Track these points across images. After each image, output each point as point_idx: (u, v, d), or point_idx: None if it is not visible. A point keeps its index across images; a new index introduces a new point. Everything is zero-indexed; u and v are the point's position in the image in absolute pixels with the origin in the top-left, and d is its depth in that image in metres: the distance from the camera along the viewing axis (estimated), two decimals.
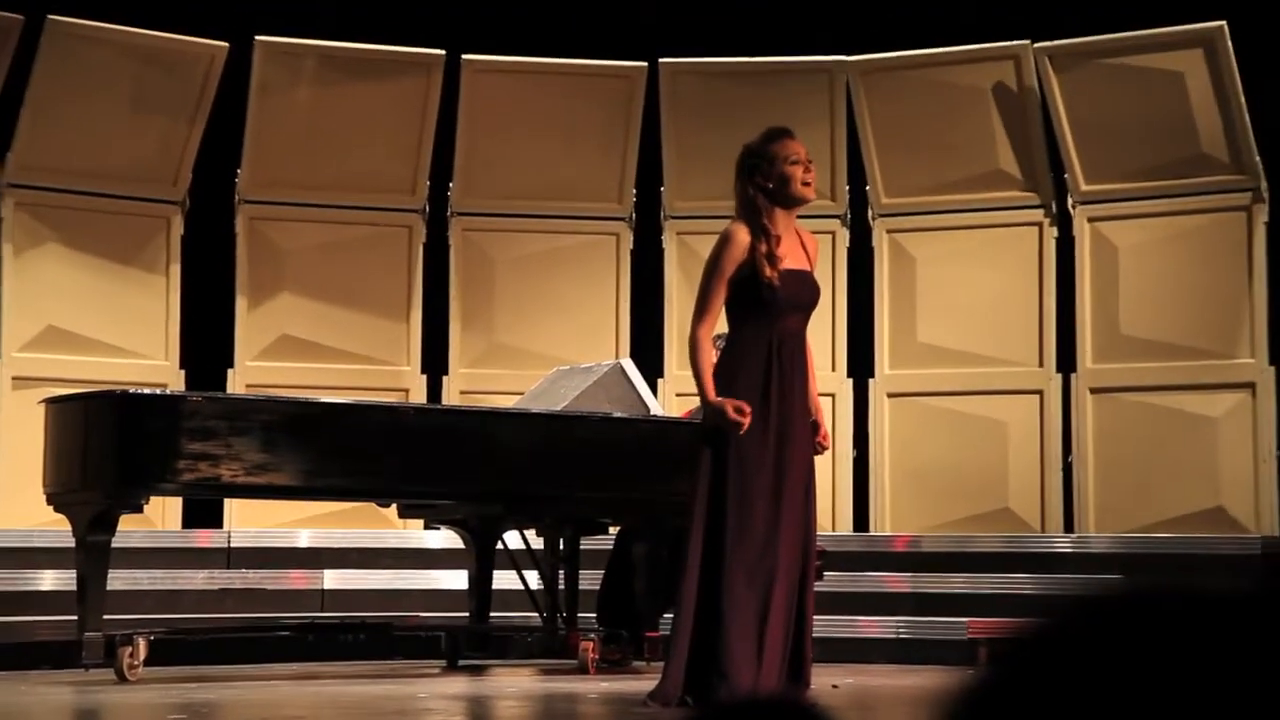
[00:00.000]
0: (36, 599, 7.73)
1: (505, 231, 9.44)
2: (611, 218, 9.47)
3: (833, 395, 9.08)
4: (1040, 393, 8.90)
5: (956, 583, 8.34)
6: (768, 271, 5.13)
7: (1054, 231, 8.98)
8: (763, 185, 5.17)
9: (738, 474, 5.07)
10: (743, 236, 5.18)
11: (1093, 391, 8.81)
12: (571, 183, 9.39)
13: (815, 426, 5.26)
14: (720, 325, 5.33)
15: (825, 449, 5.31)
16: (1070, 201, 8.92)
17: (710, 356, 5.20)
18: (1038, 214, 9.01)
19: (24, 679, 6.75)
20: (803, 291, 5.23)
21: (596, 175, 9.41)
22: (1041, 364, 8.92)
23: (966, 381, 9.01)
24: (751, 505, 5.06)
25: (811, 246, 5.35)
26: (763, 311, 5.17)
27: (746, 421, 5.02)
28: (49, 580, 7.84)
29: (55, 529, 7.41)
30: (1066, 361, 8.89)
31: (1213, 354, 8.59)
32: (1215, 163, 8.60)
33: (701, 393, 5.15)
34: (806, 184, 5.18)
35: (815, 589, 5.33)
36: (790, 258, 5.20)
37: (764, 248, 5.14)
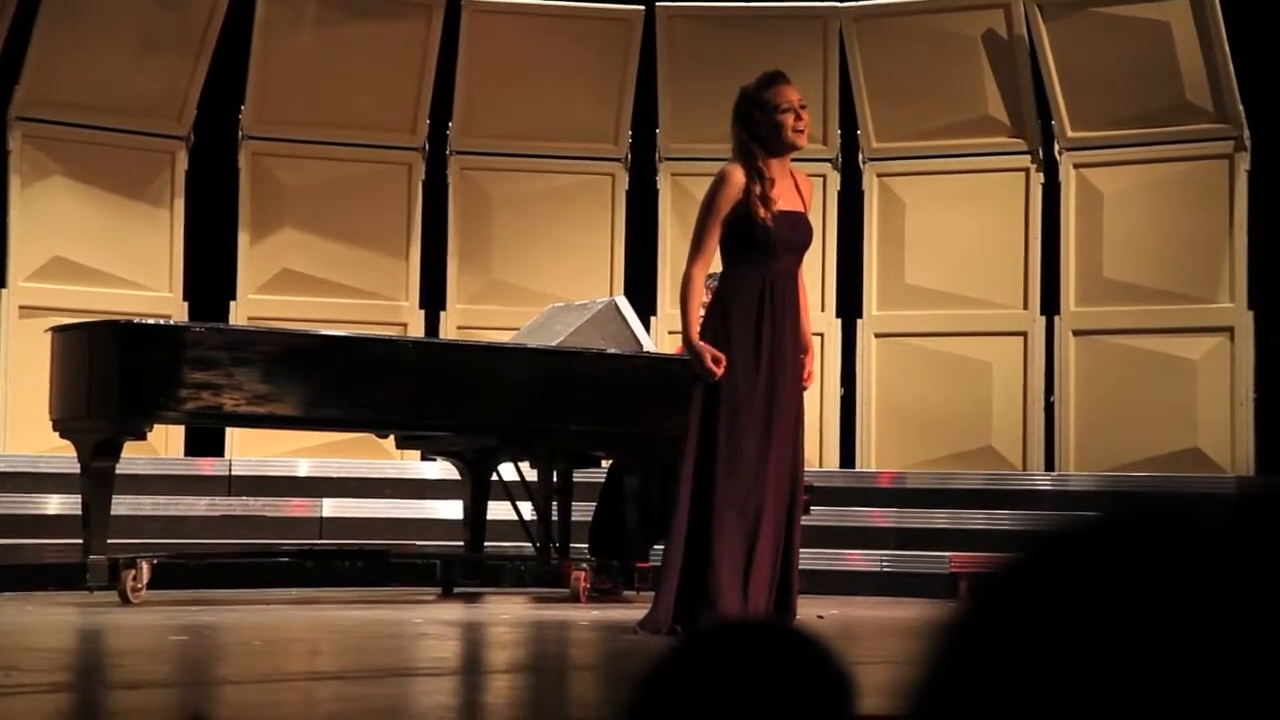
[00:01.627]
0: (43, 523, 7.75)
1: (503, 171, 9.41)
2: (607, 158, 9.44)
3: (821, 335, 9.08)
4: (1024, 334, 8.90)
5: (939, 518, 8.37)
6: (761, 212, 5.14)
7: (1040, 177, 8.96)
8: (755, 131, 5.18)
9: (729, 409, 5.09)
10: (738, 177, 5.19)
11: (1075, 334, 8.82)
12: (568, 124, 9.35)
13: (801, 364, 5.27)
14: (715, 265, 5.34)
15: (806, 387, 5.33)
16: (1056, 148, 8.90)
17: (700, 298, 5.21)
18: (1024, 160, 8.98)
19: (30, 600, 6.77)
20: (795, 233, 5.24)
21: (593, 117, 9.38)
22: (1026, 306, 8.92)
23: (952, 323, 9.01)
24: (741, 440, 5.08)
25: (806, 189, 5.36)
26: (756, 251, 5.19)
27: (719, 372, 5.05)
28: (55, 504, 7.85)
29: (61, 455, 7.42)
30: (1050, 304, 8.89)
31: (1193, 298, 8.59)
32: (1199, 111, 8.57)
33: (686, 332, 5.16)
34: (798, 131, 5.19)
35: (803, 523, 5.35)
36: (784, 200, 5.22)
37: (758, 189, 5.16)
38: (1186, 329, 8.58)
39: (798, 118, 5.19)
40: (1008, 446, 8.87)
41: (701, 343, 5.10)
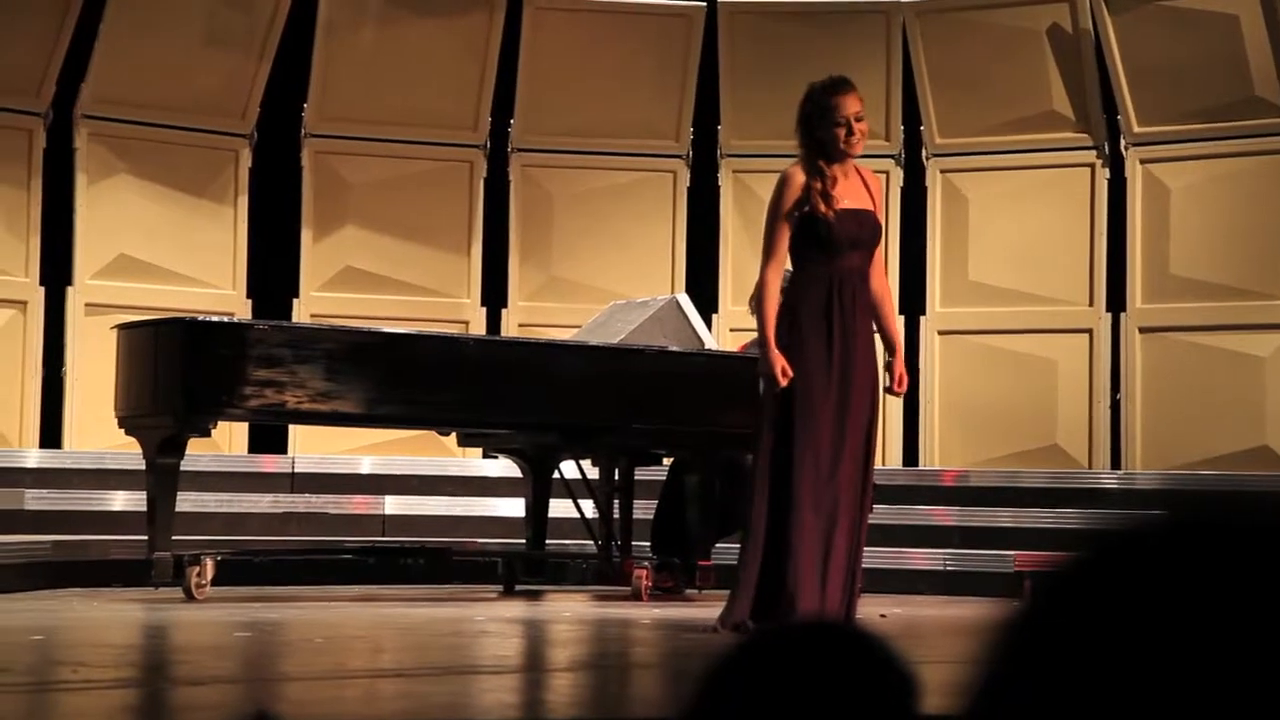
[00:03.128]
0: (109, 519, 7.82)
1: (564, 168, 9.43)
2: (669, 155, 9.44)
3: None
4: (1090, 331, 8.85)
5: (1003, 517, 8.32)
6: (822, 208, 5.17)
7: (1106, 173, 8.89)
8: (812, 135, 5.24)
9: (803, 408, 5.11)
10: (799, 177, 5.23)
11: (1142, 331, 8.75)
12: (630, 120, 9.35)
13: (890, 366, 5.28)
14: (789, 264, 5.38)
15: (898, 394, 5.32)
16: (1123, 143, 8.83)
17: (775, 301, 5.23)
18: (1090, 155, 8.92)
19: (97, 595, 6.84)
20: (861, 230, 5.25)
21: (655, 113, 9.38)
22: (1091, 303, 8.86)
23: (1016, 320, 8.96)
24: (817, 439, 5.09)
25: (875, 186, 5.37)
26: (821, 250, 5.21)
27: (783, 384, 5.09)
28: (120, 501, 7.92)
29: (127, 451, 7.49)
30: (1116, 301, 8.82)
31: (1261, 294, 8.51)
32: (1267, 105, 8.49)
33: (762, 337, 5.17)
34: (849, 144, 5.22)
35: (867, 521, 5.34)
36: (849, 197, 5.23)
37: (819, 186, 5.20)
38: (1254, 325, 8.50)
39: (850, 131, 5.21)
40: (1073, 444, 8.81)
41: (776, 351, 5.13)
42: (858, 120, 5.24)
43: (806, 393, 5.12)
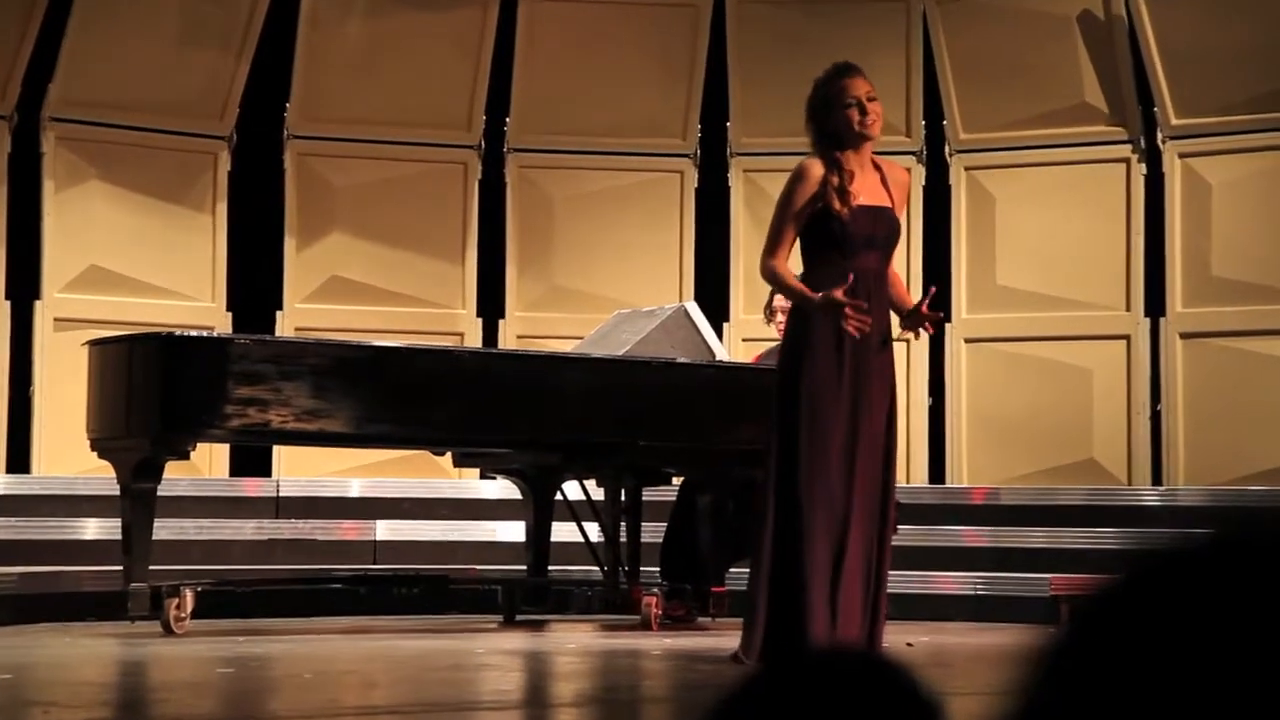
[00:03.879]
0: (81, 548, 7.82)
1: (564, 169, 9.43)
2: (675, 154, 9.45)
3: (907, 341, 9.04)
4: (1127, 338, 8.84)
5: (1037, 537, 8.31)
6: (837, 205, 5.16)
7: (1142, 168, 8.89)
8: (825, 127, 5.23)
9: (809, 419, 5.09)
10: (815, 170, 5.22)
11: (1183, 337, 8.74)
12: (634, 118, 9.36)
13: (914, 310, 5.22)
14: (796, 265, 5.36)
15: (929, 331, 5.30)
16: (1160, 136, 8.83)
17: (789, 270, 5.23)
18: (1125, 150, 8.92)
19: (68, 630, 6.84)
20: (877, 228, 5.24)
21: (660, 110, 9.38)
22: (1128, 308, 8.86)
23: (1049, 326, 8.95)
24: (825, 452, 5.07)
25: (898, 183, 5.35)
26: (834, 249, 5.20)
27: (850, 303, 5.01)
28: (93, 529, 7.92)
29: (99, 476, 7.48)
30: (1155, 305, 8.82)
31: None
32: None
33: (801, 300, 5.14)
34: (865, 125, 5.21)
35: (892, 543, 5.33)
36: (866, 194, 5.23)
37: (835, 181, 5.19)
38: None
39: (863, 111, 5.21)
40: (1111, 459, 8.80)
41: (815, 296, 5.07)
42: (870, 100, 5.24)
43: (814, 405, 5.10)
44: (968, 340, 9.12)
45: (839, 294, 5.05)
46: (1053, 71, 8.97)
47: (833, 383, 5.13)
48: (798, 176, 5.25)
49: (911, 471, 9.02)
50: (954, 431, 9.08)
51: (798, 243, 5.29)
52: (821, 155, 5.26)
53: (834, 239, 5.19)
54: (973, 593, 8.03)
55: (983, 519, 8.57)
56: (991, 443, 9.02)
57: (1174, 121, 8.79)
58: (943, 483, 9.04)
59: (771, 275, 5.27)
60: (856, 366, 5.16)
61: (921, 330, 5.37)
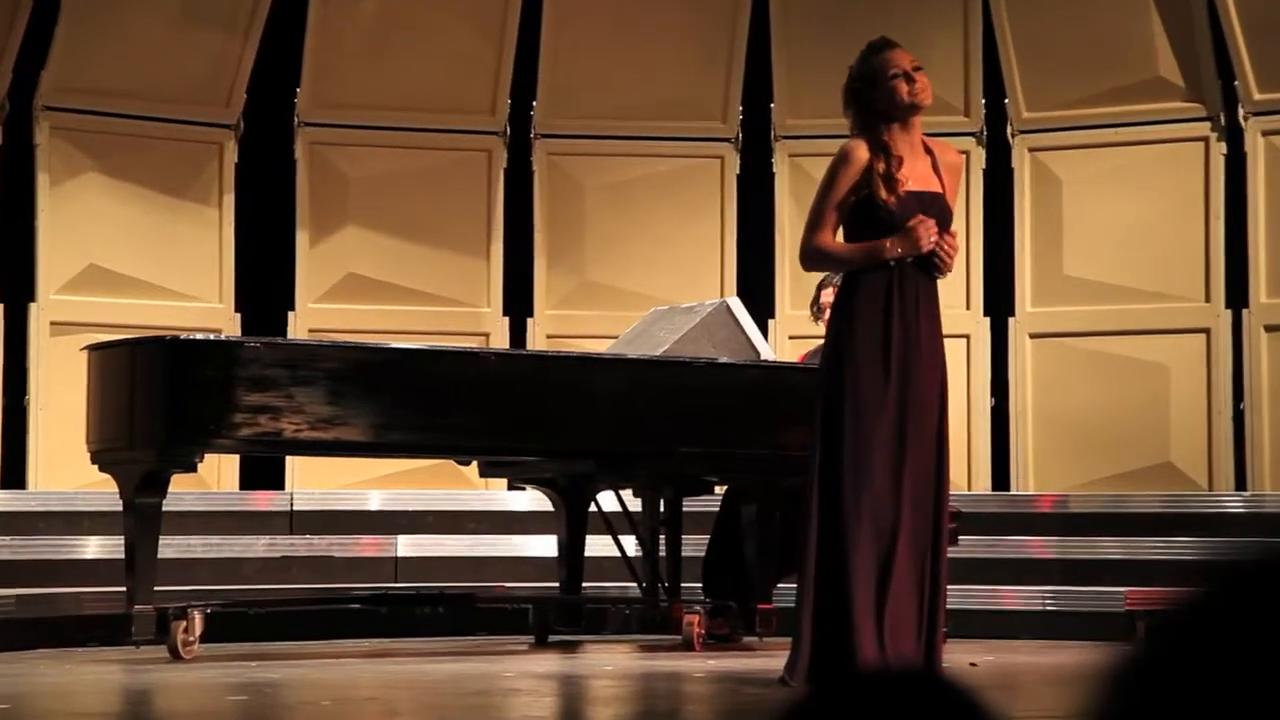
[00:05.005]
0: (81, 568, 7.86)
1: (596, 155, 9.44)
2: (716, 138, 9.44)
3: (967, 336, 9.03)
4: (1207, 331, 8.81)
5: (1110, 548, 8.29)
6: (883, 194, 5.15)
7: (1222, 147, 8.86)
8: (869, 106, 5.21)
9: (854, 421, 5.08)
10: (861, 154, 5.20)
11: (1268, 330, 8.71)
12: (670, 99, 9.36)
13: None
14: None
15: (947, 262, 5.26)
16: (1241, 113, 8.79)
17: (835, 241, 5.21)
18: (1203, 127, 8.89)
19: (69, 657, 6.87)
20: (927, 216, 5.22)
21: (698, 90, 9.38)
22: (1208, 299, 8.82)
23: (1121, 320, 8.92)
24: (870, 456, 5.06)
25: (950, 166, 5.34)
26: (880, 239, 5.18)
27: (927, 231, 5.00)
28: (94, 547, 7.95)
29: (101, 491, 7.52)
30: (1237, 296, 8.78)
31: None
32: None
33: (865, 256, 5.13)
34: (914, 94, 5.20)
35: (949, 554, 5.32)
36: (915, 179, 5.21)
37: (881, 167, 5.17)
38: None
39: (912, 80, 5.20)
40: (1190, 462, 8.77)
41: (878, 245, 5.06)
42: (916, 70, 5.24)
43: (857, 404, 5.10)
44: (1033, 336, 9.09)
45: (916, 223, 5.06)
46: (1124, 43, 8.94)
47: (878, 382, 5.12)
48: (841, 160, 5.24)
49: (974, 478, 9.00)
50: (1019, 435, 9.06)
51: (840, 232, 5.28)
52: (867, 137, 5.24)
53: (880, 228, 5.18)
54: (1040, 608, 8.01)
55: (1051, 528, 8.54)
56: (1059, 446, 8.99)
57: (1256, 96, 8.75)
58: (1007, 490, 9.01)
59: (816, 253, 5.26)
60: (904, 364, 5.14)
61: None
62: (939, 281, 5.30)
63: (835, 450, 5.11)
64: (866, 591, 5.03)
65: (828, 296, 7.58)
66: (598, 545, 7.73)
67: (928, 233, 5.11)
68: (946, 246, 5.13)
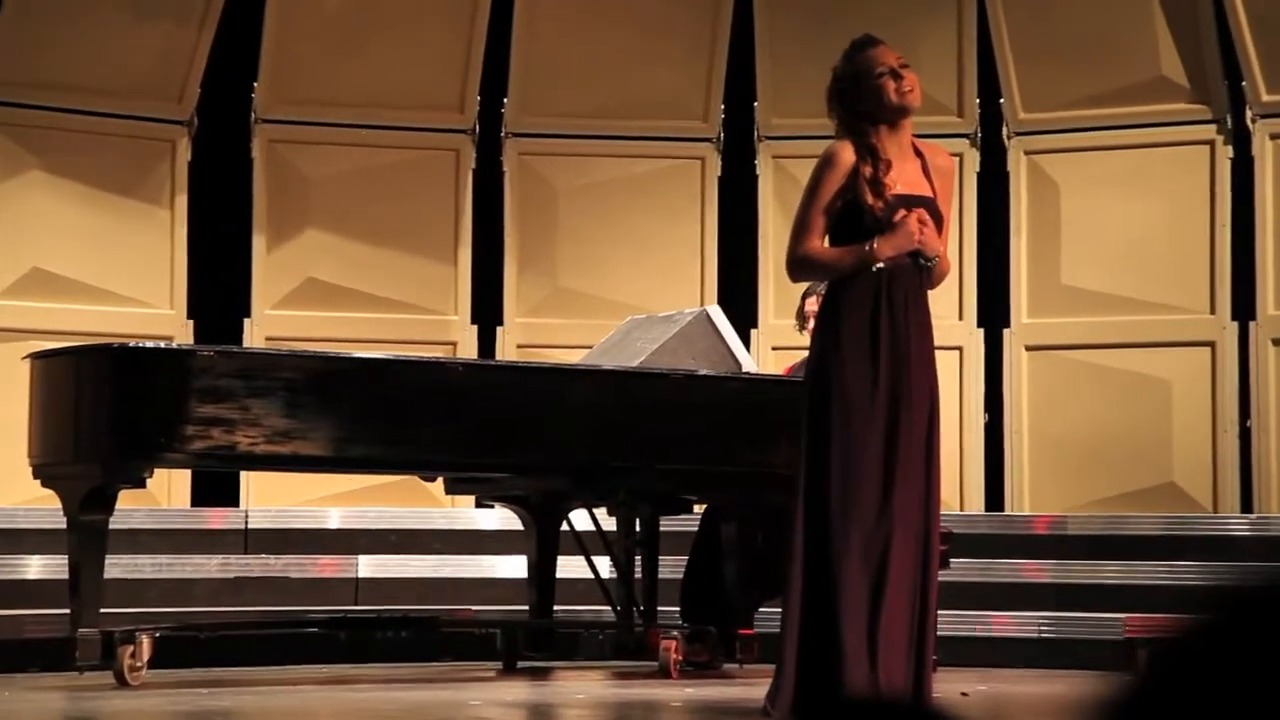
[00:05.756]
0: (22, 589, 7.83)
1: (570, 155, 9.44)
2: (696, 138, 9.45)
3: (960, 349, 9.04)
4: (1212, 345, 8.83)
5: (1110, 572, 8.30)
6: (870, 199, 5.15)
7: (1229, 151, 8.89)
8: (854, 106, 5.22)
9: (842, 435, 5.09)
10: (846, 156, 5.21)
11: (1276, 343, 8.74)
12: (649, 97, 9.37)
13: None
14: None
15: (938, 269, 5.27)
16: (1249, 115, 8.82)
17: (822, 247, 5.21)
18: (1209, 130, 8.92)
19: (8, 683, 6.85)
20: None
21: (678, 88, 9.39)
22: (1213, 310, 8.85)
23: (1121, 332, 8.94)
24: (859, 472, 5.07)
25: (941, 169, 5.34)
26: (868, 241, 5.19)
27: (918, 227, 5.02)
28: (36, 567, 7.93)
29: (43, 507, 7.49)
30: (1243, 307, 8.81)
31: None
32: None
33: (854, 260, 5.12)
34: (903, 94, 5.21)
35: (940, 577, 5.32)
36: (904, 182, 5.22)
37: (868, 171, 5.17)
38: None
39: (899, 78, 5.21)
40: (1193, 483, 8.79)
41: (865, 248, 5.08)
42: (903, 67, 5.24)
43: (845, 417, 5.10)
44: (1029, 348, 9.11)
45: (907, 218, 5.07)
46: (1126, 41, 8.96)
47: (866, 395, 5.13)
48: (826, 163, 5.24)
49: (966, 498, 9.01)
50: (1013, 452, 9.07)
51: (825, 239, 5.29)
52: (853, 139, 5.24)
53: (867, 235, 5.18)
54: (1036, 635, 8.02)
55: (1047, 551, 8.56)
56: (1056, 465, 9.01)
57: (1265, 98, 8.78)
58: (1001, 510, 9.02)
59: (804, 261, 5.26)
60: (894, 376, 5.15)
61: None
62: (930, 291, 5.30)
63: (821, 467, 5.11)
64: (857, 617, 5.03)
65: (812, 305, 7.59)
66: (570, 566, 7.73)
67: (916, 227, 5.12)
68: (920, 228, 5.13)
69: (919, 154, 5.32)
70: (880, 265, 5.15)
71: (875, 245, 5.13)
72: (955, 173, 5.56)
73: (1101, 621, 7.89)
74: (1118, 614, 7.91)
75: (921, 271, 5.21)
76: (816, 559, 5.09)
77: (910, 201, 5.22)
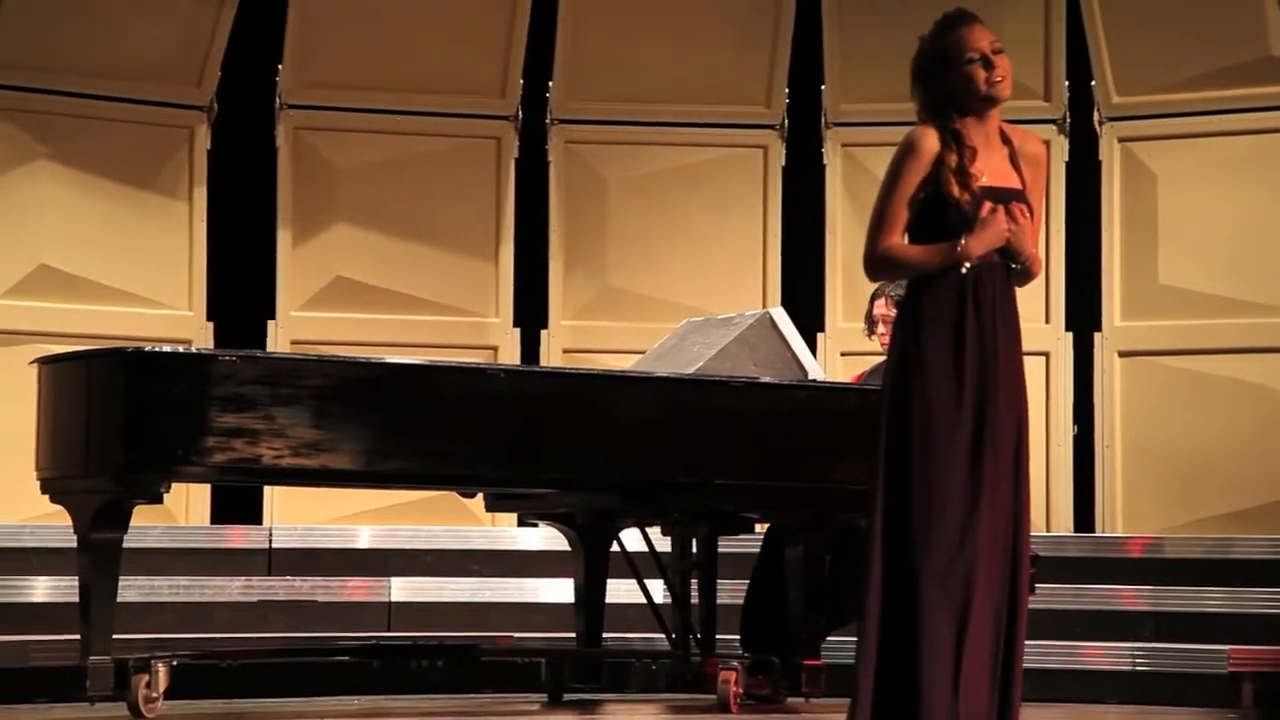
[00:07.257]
0: (29, 613, 7.87)
1: (620, 144, 9.45)
2: (758, 125, 9.45)
3: (1046, 354, 9.02)
4: None
5: (1212, 599, 8.27)
6: (955, 190, 5.14)
7: None
8: (940, 91, 5.20)
9: (923, 449, 5.07)
10: (930, 143, 5.19)
11: None
12: (706, 81, 9.37)
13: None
14: None
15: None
16: None
17: (903, 244, 5.20)
18: None
19: (13, 715, 6.88)
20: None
21: (738, 70, 9.39)
22: None
23: (1225, 336, 8.91)
24: (941, 489, 5.06)
25: (1031, 157, 5.32)
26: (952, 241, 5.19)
27: (1004, 221, 5.04)
28: (44, 589, 7.97)
29: (51, 524, 7.53)
30: None
31: None
32: None
33: (939, 259, 5.11)
34: (992, 84, 5.19)
35: (1029, 605, 5.31)
36: (990, 173, 5.21)
37: (953, 160, 5.16)
38: None
39: (989, 66, 5.20)
40: None
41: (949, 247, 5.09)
42: (996, 53, 5.23)
43: (927, 430, 5.08)
44: (1122, 354, 9.08)
45: (987, 212, 5.07)
46: (1229, 17, 8.93)
47: (951, 406, 5.11)
48: (907, 150, 5.22)
49: (1053, 518, 8.98)
50: (1106, 468, 9.04)
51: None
52: (936, 124, 5.24)
53: (951, 230, 5.17)
54: (1130, 668, 7.99)
55: (1143, 576, 8.53)
56: (1152, 481, 8.98)
57: None
58: (1092, 531, 9.00)
59: (885, 260, 5.22)
60: (980, 384, 5.14)
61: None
62: (1018, 292, 5.29)
63: (900, 484, 5.10)
64: (945, 647, 5.02)
65: (881, 309, 7.58)
66: (621, 590, 7.73)
67: (1007, 223, 5.11)
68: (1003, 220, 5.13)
69: (1006, 140, 5.31)
70: (968, 265, 5.14)
71: (966, 243, 5.11)
72: (1046, 161, 5.54)
73: (1203, 654, 7.86)
74: (1221, 645, 7.87)
75: (1011, 273, 5.20)
76: (895, 584, 5.07)
77: (998, 194, 5.20)
